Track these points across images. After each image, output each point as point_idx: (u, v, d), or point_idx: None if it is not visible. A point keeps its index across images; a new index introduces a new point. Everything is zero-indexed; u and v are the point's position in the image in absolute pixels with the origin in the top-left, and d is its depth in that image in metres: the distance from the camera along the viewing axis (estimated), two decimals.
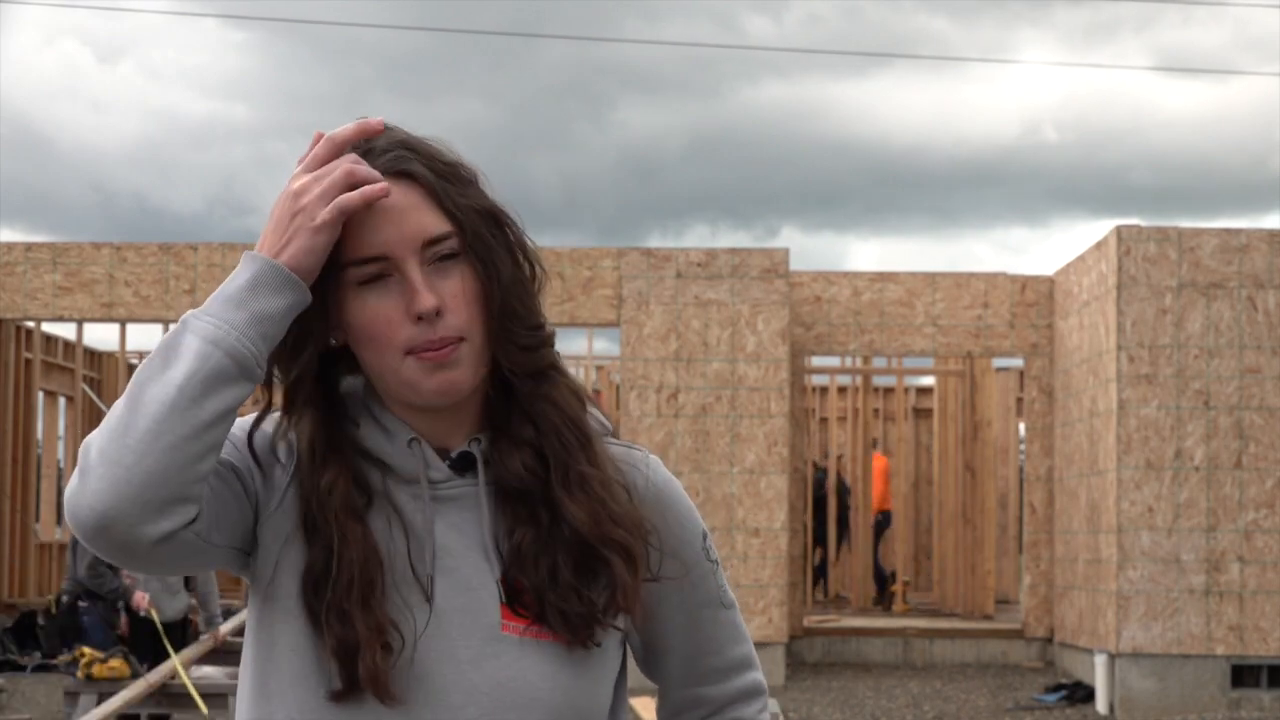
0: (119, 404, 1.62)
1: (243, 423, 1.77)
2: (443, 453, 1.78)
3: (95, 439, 1.61)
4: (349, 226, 1.69)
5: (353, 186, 1.67)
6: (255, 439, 1.77)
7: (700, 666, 1.90)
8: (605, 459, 1.81)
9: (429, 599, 1.72)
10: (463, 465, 1.78)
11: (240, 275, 1.65)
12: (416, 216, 1.71)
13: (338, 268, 1.71)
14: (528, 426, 1.77)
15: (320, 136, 1.71)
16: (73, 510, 1.60)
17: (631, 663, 1.90)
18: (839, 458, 19.63)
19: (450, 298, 1.71)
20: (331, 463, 1.74)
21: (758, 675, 1.95)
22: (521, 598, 1.74)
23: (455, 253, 1.73)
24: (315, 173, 1.68)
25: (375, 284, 1.70)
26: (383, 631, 1.69)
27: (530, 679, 1.72)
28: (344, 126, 1.71)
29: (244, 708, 1.78)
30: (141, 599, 9.99)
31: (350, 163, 1.68)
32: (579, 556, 1.75)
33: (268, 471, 1.77)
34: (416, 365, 1.71)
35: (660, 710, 1.96)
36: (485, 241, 1.75)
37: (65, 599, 10.52)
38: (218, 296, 1.64)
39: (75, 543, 10.35)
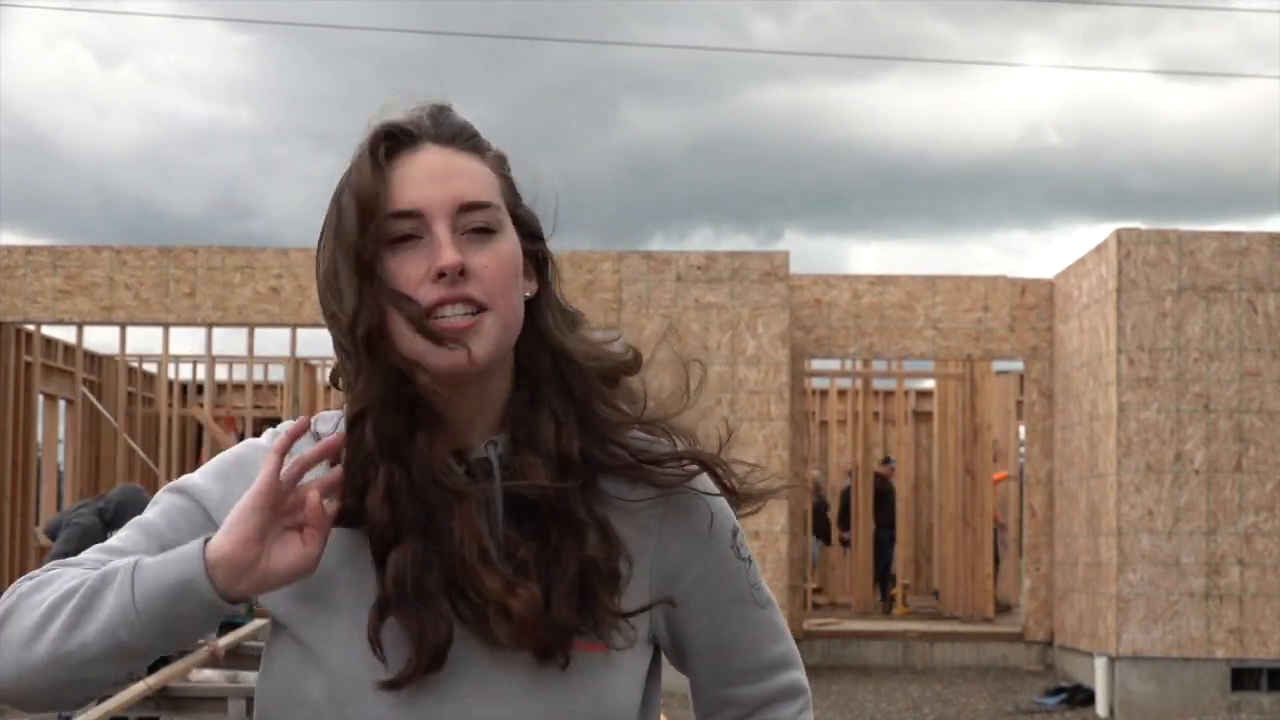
0: (46, 596, 1.64)
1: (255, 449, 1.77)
2: (460, 453, 1.72)
3: (14, 613, 1.65)
4: (393, 181, 1.68)
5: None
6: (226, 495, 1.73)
7: (732, 666, 1.84)
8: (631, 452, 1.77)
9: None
10: (480, 468, 1.73)
11: (179, 566, 1.61)
12: (457, 181, 1.69)
13: (379, 222, 1.67)
14: (550, 426, 1.73)
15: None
16: None
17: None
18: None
19: (480, 267, 1.67)
20: (391, 456, 1.70)
21: (797, 675, 1.88)
22: None
23: (493, 229, 1.70)
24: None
25: (405, 244, 1.67)
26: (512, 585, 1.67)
27: (551, 687, 1.69)
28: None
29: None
30: None
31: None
32: (577, 579, 1.70)
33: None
34: (424, 338, 1.66)
35: (694, 709, 1.91)
36: (537, 228, 1.77)
37: None
38: (158, 574, 1.61)
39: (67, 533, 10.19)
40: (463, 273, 1.66)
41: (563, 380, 1.75)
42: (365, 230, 1.66)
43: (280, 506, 1.62)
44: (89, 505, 10.51)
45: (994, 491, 18.12)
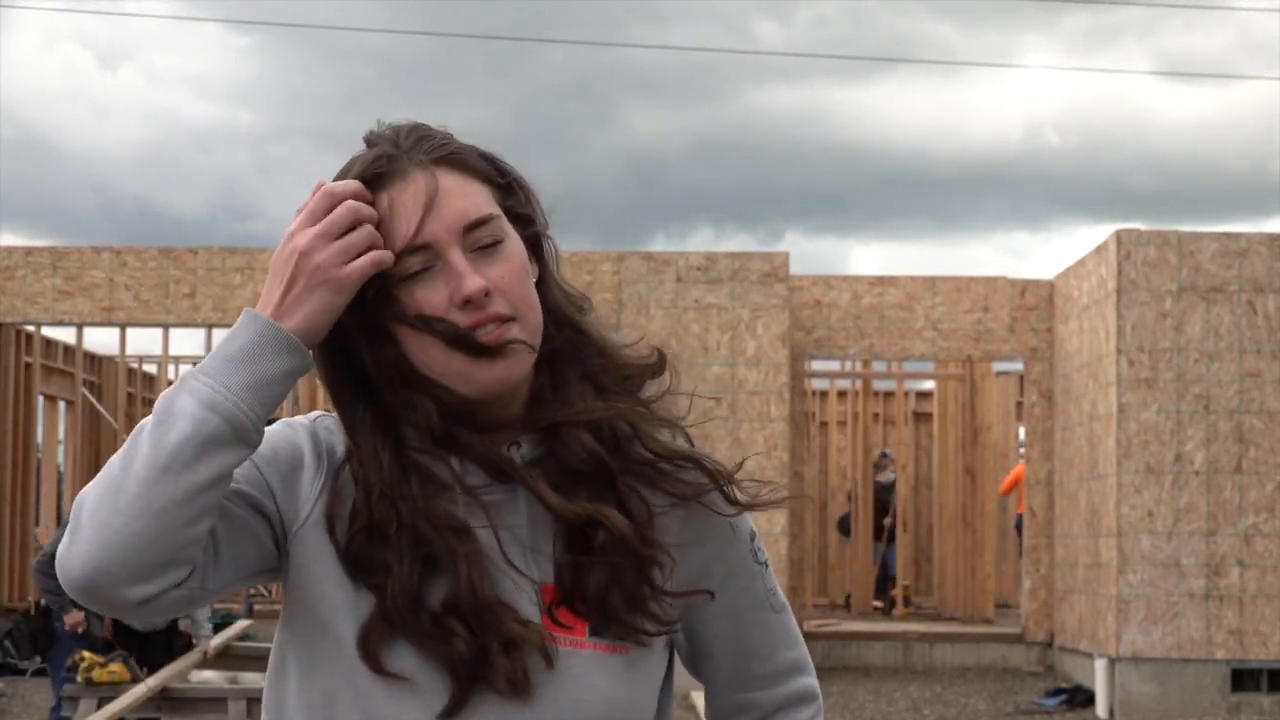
0: (114, 461, 1.58)
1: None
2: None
3: (88, 496, 1.58)
4: (387, 221, 1.67)
5: (372, 245, 1.64)
6: (277, 449, 1.72)
7: (748, 671, 1.85)
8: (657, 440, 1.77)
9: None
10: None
11: (241, 335, 1.61)
12: (455, 202, 1.68)
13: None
14: (578, 399, 1.74)
15: (320, 187, 1.67)
16: (63, 568, 1.58)
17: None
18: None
19: (498, 280, 1.68)
20: (411, 471, 1.69)
21: (809, 680, 1.90)
22: (572, 603, 1.70)
23: (498, 239, 1.70)
24: (319, 228, 1.63)
25: (420, 277, 1.66)
26: (526, 625, 1.67)
27: (571, 689, 1.69)
28: (344, 181, 1.67)
29: None
30: (74, 619, 9.56)
31: (367, 218, 1.65)
32: (639, 548, 1.71)
33: (290, 483, 1.72)
34: (466, 355, 1.67)
35: (708, 713, 1.92)
36: (529, 211, 1.76)
37: (43, 603, 10.29)
38: (217, 355, 1.60)
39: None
40: (487, 294, 1.67)
41: (578, 354, 1.76)
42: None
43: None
44: None
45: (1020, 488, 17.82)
